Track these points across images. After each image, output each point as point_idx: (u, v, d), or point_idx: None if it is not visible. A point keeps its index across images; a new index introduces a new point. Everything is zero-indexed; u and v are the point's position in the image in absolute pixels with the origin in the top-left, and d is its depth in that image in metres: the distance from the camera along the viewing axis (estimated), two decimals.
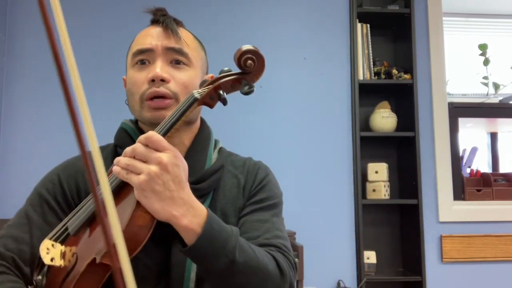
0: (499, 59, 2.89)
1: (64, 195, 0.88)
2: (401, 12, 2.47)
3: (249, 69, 0.76)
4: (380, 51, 2.59)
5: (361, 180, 2.40)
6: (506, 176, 2.58)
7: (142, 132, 0.92)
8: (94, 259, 0.70)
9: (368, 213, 2.43)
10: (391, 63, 2.57)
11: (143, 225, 0.71)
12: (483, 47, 2.79)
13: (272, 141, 2.42)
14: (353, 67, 2.46)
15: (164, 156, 0.71)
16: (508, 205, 2.48)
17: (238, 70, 0.80)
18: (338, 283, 2.33)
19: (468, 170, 2.64)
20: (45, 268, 0.79)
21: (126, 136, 0.92)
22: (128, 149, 0.73)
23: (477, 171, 2.60)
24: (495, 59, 2.85)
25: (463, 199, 2.50)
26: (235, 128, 2.39)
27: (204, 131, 0.96)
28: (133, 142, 0.89)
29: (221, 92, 0.79)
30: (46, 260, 0.72)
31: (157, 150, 0.72)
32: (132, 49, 0.91)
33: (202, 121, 0.98)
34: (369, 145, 2.48)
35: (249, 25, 2.50)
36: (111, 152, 0.94)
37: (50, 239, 0.77)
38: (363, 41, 2.48)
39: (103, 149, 0.97)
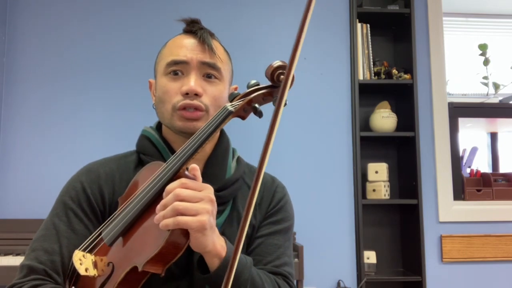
0: (499, 59, 2.89)
1: (89, 201, 0.88)
2: (401, 12, 2.47)
3: (281, 83, 0.78)
4: (380, 51, 2.59)
5: (361, 180, 2.40)
6: (506, 176, 2.58)
7: (165, 140, 0.93)
8: (135, 267, 0.72)
9: (368, 213, 2.43)
10: (391, 63, 2.57)
11: (184, 233, 0.73)
12: (483, 47, 2.79)
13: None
14: (353, 67, 2.46)
15: (210, 193, 0.74)
16: (508, 205, 2.48)
17: (268, 83, 0.83)
18: (338, 283, 2.33)
19: (468, 170, 2.64)
20: (75, 277, 0.81)
21: (149, 143, 0.93)
22: (167, 201, 0.71)
23: (477, 171, 2.60)
24: (495, 59, 2.85)
25: (463, 199, 2.50)
26: (234, 128, 2.38)
27: (224, 140, 0.97)
28: (156, 149, 0.92)
29: (256, 105, 0.81)
30: (81, 271, 0.74)
31: (197, 190, 0.73)
32: (166, 57, 0.91)
33: (222, 129, 0.99)
34: (369, 145, 2.48)
35: (249, 25, 2.50)
36: (134, 160, 0.95)
37: (83, 250, 0.79)
38: (363, 41, 2.48)
39: (126, 156, 0.97)
